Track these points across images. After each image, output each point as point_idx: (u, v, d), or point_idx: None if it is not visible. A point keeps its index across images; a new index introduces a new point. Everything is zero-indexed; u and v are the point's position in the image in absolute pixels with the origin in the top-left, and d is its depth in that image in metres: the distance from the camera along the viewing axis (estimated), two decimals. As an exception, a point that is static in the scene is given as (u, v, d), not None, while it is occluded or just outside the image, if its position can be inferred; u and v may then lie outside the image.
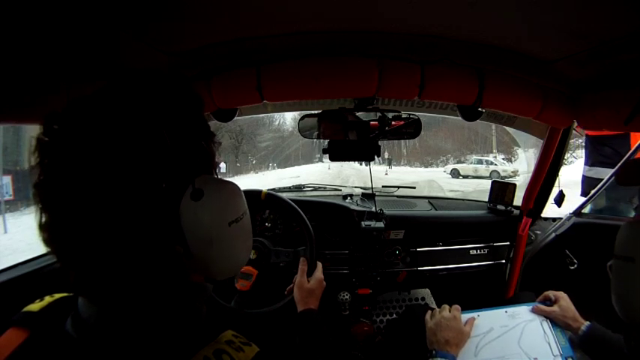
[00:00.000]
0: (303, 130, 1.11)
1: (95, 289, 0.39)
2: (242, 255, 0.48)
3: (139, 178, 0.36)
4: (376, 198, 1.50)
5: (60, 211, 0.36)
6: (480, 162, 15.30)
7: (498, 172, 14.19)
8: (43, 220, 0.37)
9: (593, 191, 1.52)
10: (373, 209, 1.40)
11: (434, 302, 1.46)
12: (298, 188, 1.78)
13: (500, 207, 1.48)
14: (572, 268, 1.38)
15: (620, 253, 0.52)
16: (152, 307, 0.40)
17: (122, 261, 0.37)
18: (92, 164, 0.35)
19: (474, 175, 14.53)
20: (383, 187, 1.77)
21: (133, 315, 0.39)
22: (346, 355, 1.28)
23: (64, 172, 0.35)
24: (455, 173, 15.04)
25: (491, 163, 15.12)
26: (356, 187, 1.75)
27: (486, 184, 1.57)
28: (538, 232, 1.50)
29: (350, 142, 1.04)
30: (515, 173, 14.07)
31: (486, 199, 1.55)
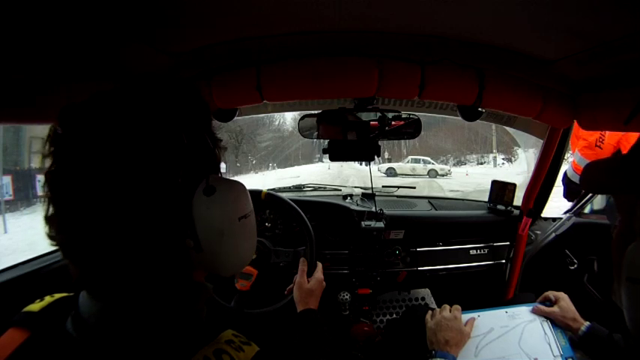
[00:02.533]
0: (303, 130, 1.11)
1: (100, 283, 0.39)
2: (248, 252, 0.49)
3: (155, 173, 0.38)
4: (376, 198, 1.51)
5: (70, 202, 0.36)
6: (416, 161, 15.92)
7: (436, 171, 15.32)
8: (51, 211, 0.37)
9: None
10: (373, 209, 1.40)
11: (434, 302, 1.46)
12: (298, 188, 1.79)
13: (500, 207, 1.48)
14: (572, 268, 1.38)
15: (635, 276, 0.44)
16: (154, 306, 0.40)
17: (130, 254, 0.38)
18: (110, 158, 0.36)
19: (411, 173, 15.20)
20: (383, 187, 1.78)
21: (134, 314, 0.39)
22: (346, 355, 1.28)
23: (79, 164, 0.36)
24: (391, 172, 15.48)
25: (429, 162, 15.89)
26: (356, 187, 1.75)
27: (486, 184, 1.57)
28: (538, 232, 1.50)
29: (350, 142, 1.04)
30: (450, 171, 15.65)
31: (486, 199, 1.55)
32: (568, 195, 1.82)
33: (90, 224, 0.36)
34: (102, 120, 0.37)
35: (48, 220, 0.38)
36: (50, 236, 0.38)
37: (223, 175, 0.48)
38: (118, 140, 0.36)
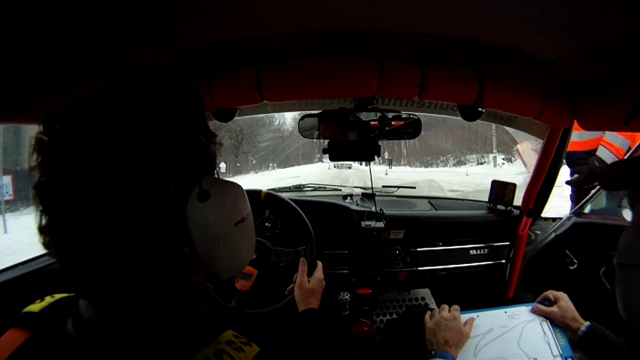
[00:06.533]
0: (303, 130, 1.11)
1: (97, 291, 0.38)
2: (246, 254, 0.48)
3: (145, 179, 0.36)
4: (376, 198, 1.51)
5: (63, 214, 0.35)
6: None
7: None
8: (44, 222, 0.36)
9: (593, 191, 1.52)
10: (373, 209, 1.40)
11: (434, 302, 1.46)
12: (298, 188, 1.78)
13: (500, 207, 1.48)
14: (572, 268, 1.38)
15: (624, 261, 0.49)
16: (154, 308, 0.40)
17: (126, 264, 0.37)
18: (98, 166, 0.35)
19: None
20: (383, 187, 1.77)
21: (134, 316, 0.39)
22: (346, 355, 1.28)
23: (67, 174, 0.35)
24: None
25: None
26: (356, 187, 1.75)
27: (486, 184, 1.57)
28: (538, 232, 1.50)
29: (350, 142, 1.04)
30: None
31: (486, 199, 1.55)
32: (576, 199, 1.82)
33: (82, 236, 0.35)
34: (86, 126, 0.35)
35: (41, 230, 0.37)
36: (45, 245, 0.37)
37: (223, 176, 0.47)
38: (104, 147, 0.35)
